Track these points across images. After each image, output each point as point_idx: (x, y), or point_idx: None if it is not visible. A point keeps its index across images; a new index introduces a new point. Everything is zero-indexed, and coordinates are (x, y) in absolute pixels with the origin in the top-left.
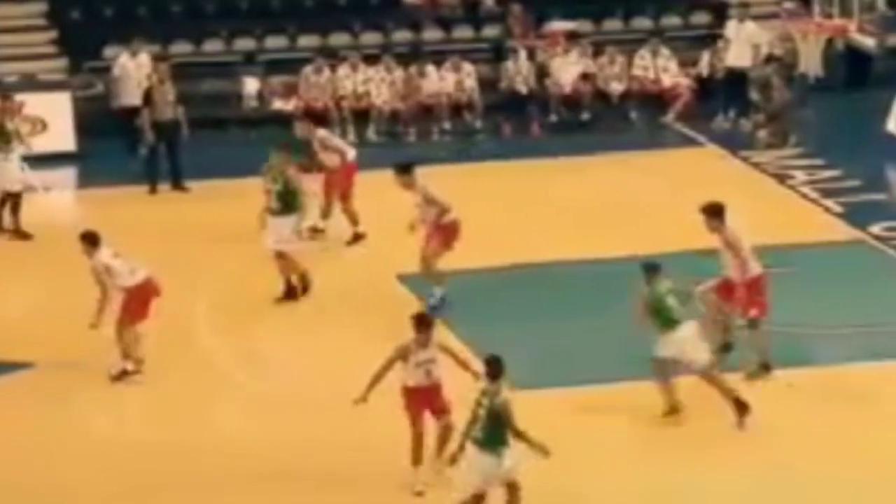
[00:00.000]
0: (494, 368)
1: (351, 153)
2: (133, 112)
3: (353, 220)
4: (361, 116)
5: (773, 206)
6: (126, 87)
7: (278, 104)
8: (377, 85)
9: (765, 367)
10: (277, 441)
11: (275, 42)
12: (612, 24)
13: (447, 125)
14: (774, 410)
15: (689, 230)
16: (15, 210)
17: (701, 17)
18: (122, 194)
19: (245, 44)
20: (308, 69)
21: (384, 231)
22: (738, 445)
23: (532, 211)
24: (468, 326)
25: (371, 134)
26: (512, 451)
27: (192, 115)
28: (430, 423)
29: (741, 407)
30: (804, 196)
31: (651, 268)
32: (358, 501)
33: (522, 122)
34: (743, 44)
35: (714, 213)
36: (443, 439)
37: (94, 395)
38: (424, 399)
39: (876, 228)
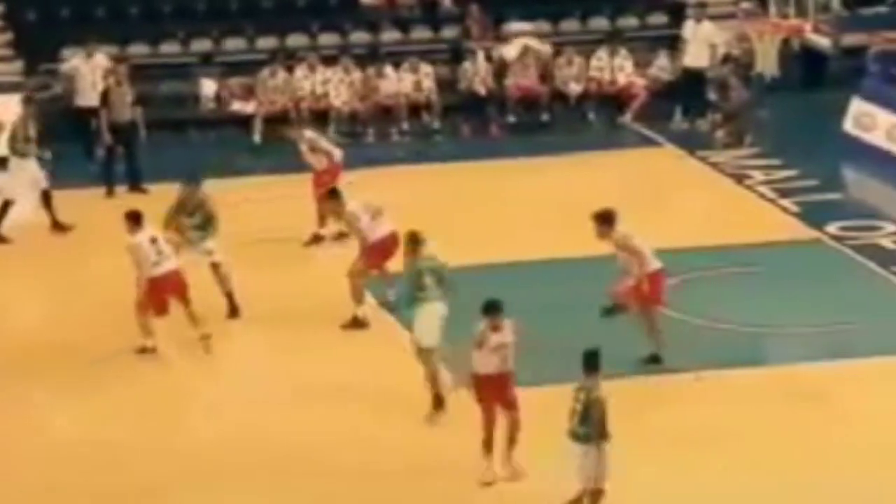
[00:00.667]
0: (592, 362)
1: (337, 154)
2: (89, 113)
3: (322, 223)
4: (320, 117)
5: (731, 206)
6: (80, 89)
7: (236, 105)
8: (335, 86)
9: (654, 359)
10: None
11: (232, 43)
12: (570, 25)
13: (406, 126)
14: (734, 410)
15: (647, 230)
16: (48, 206)
17: (658, 18)
18: (80, 196)
19: (202, 45)
20: (264, 72)
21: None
22: (701, 446)
23: (491, 211)
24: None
25: (330, 135)
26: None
27: (149, 117)
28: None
29: (438, 402)
30: (761, 196)
31: (415, 240)
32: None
33: (481, 123)
34: (700, 44)
35: (602, 220)
36: (512, 434)
37: (54, 398)
38: (495, 388)
39: (832, 228)
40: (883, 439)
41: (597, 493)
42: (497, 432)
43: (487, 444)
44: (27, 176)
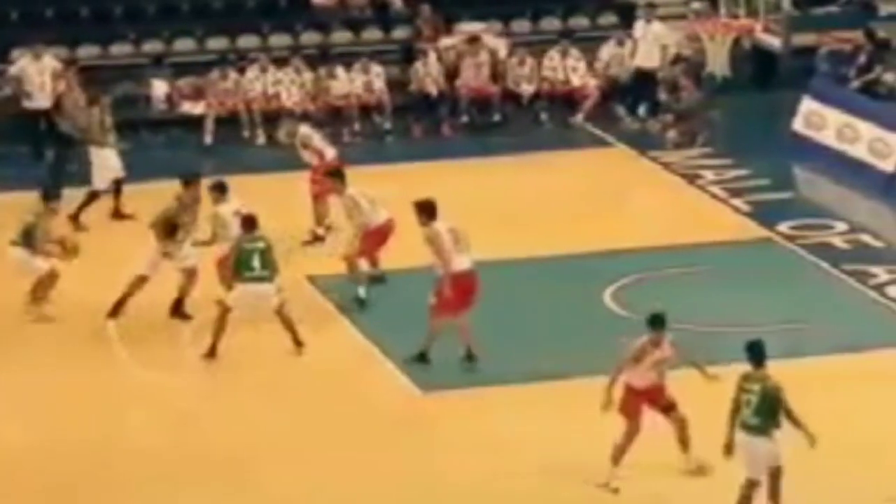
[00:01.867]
0: (758, 353)
1: (330, 153)
2: (38, 115)
3: (320, 221)
4: (272, 118)
5: (682, 206)
6: (29, 91)
7: (187, 107)
8: (287, 87)
9: (421, 357)
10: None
11: (183, 45)
12: (521, 26)
13: (357, 126)
14: (689, 410)
15: (600, 230)
16: (116, 194)
17: (609, 18)
18: (28, 200)
19: (153, 46)
20: (215, 73)
21: (298, 232)
22: (656, 447)
23: (442, 212)
24: (378, 326)
25: (281, 136)
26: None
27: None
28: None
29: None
30: (713, 195)
31: (250, 222)
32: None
33: (433, 124)
34: (651, 44)
35: (422, 209)
36: (683, 432)
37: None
38: (649, 399)
39: (784, 227)
40: (836, 438)
41: (777, 471)
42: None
43: (619, 455)
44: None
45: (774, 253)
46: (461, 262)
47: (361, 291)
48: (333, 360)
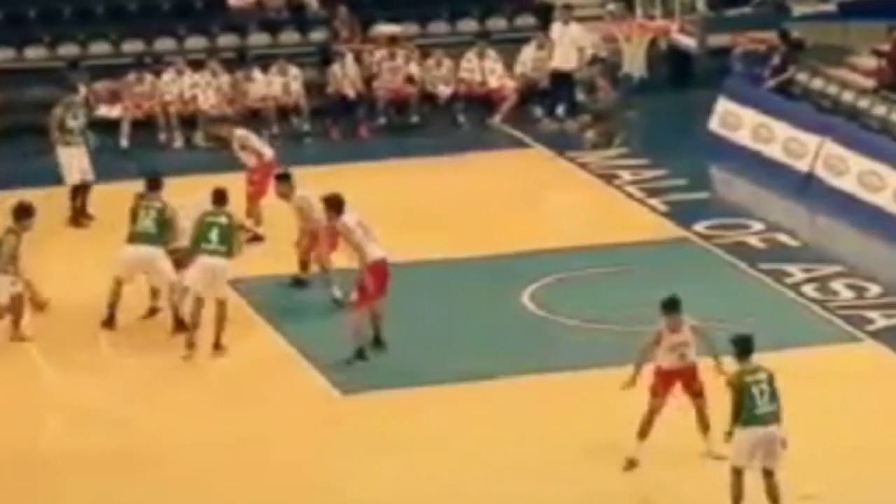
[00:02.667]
0: (749, 345)
1: (269, 154)
2: None
3: (258, 221)
4: (189, 121)
5: (600, 206)
6: None
7: (103, 110)
8: (203, 89)
9: (360, 354)
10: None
11: (98, 48)
12: (438, 27)
13: (275, 129)
14: (606, 412)
15: (518, 230)
16: (82, 197)
17: (526, 20)
18: None
19: (69, 49)
20: (131, 76)
21: None
22: (583, 447)
23: (361, 214)
24: (296, 327)
25: (199, 139)
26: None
27: (16, 123)
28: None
29: (180, 327)
30: (630, 196)
31: (217, 196)
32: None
33: (350, 126)
34: (568, 46)
35: (330, 205)
36: (703, 418)
37: None
38: (677, 379)
39: (700, 227)
40: None
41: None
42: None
43: (646, 430)
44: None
45: (691, 252)
46: (374, 252)
47: (336, 292)
48: (253, 363)
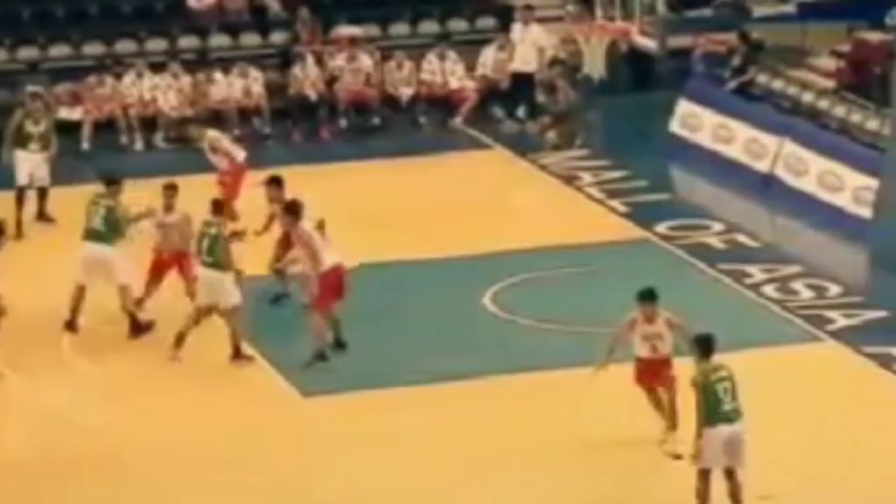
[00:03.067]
0: (709, 346)
1: (240, 156)
2: None
3: (234, 217)
4: (149, 124)
5: (561, 208)
6: None
7: (64, 112)
8: (164, 92)
9: (320, 356)
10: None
11: (59, 51)
12: (399, 29)
13: (237, 131)
14: (568, 411)
15: (479, 232)
16: (40, 202)
17: (487, 21)
18: None
19: (28, 53)
20: (92, 79)
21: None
22: (550, 453)
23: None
24: (259, 329)
25: (159, 141)
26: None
27: None
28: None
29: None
30: (591, 197)
31: (214, 206)
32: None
33: (312, 128)
34: (528, 47)
35: (289, 211)
36: (673, 415)
37: None
38: (651, 370)
39: (661, 228)
40: None
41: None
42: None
43: (672, 419)
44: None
45: (652, 253)
46: (331, 257)
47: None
48: (215, 367)
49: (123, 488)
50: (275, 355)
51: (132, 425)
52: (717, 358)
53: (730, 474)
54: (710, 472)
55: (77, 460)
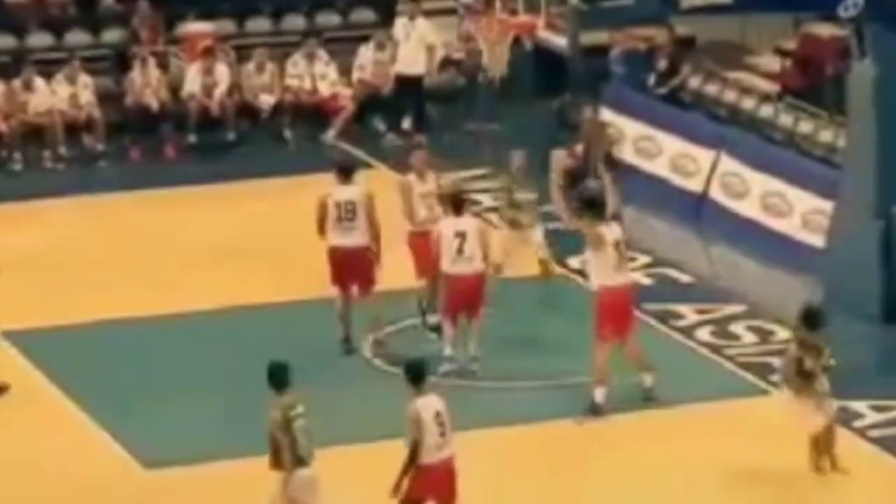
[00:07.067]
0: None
1: None
2: None
3: None
4: None
5: None
6: None
7: None
8: None
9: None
10: None
11: None
12: (259, 25)
13: (63, 150)
14: (486, 466)
15: None
16: None
17: (364, 15)
18: None
19: None
20: None
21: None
22: None
23: (163, 251)
24: (80, 383)
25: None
26: None
27: None
28: None
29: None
30: (492, 224)
31: None
32: None
33: (155, 144)
34: (414, 45)
35: None
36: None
37: None
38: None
39: (575, 261)
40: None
41: None
42: None
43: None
44: None
45: (565, 290)
46: None
47: None
48: (43, 433)
49: None
50: (111, 422)
51: None
52: (636, 416)
53: None
54: None
55: None
